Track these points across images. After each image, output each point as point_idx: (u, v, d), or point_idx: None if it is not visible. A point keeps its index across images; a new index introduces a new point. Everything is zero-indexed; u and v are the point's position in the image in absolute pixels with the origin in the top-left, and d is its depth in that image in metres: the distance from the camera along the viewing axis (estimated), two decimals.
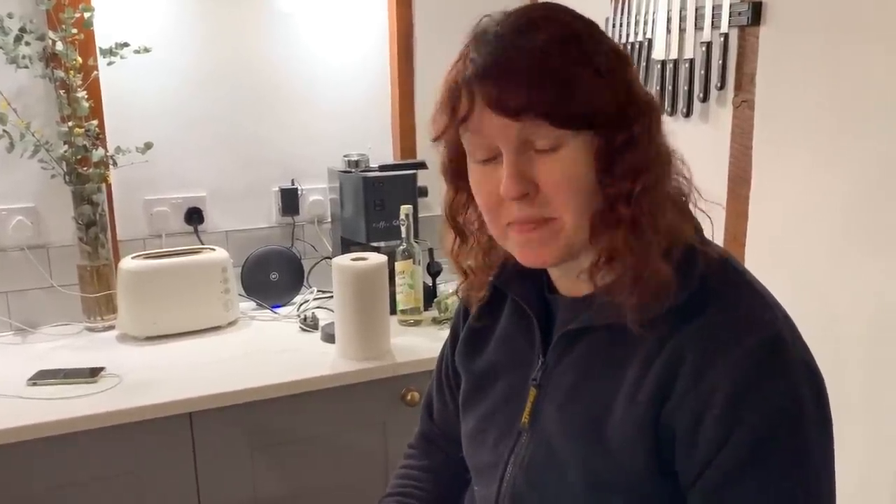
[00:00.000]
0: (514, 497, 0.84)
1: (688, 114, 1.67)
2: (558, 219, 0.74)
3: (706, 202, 0.80)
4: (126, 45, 1.88)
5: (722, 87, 1.58)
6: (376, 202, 2.00)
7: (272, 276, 2.11)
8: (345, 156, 2.07)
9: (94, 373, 1.62)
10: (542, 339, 0.85)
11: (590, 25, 0.75)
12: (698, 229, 0.80)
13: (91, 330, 1.93)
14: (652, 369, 0.72)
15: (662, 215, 0.73)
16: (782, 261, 1.49)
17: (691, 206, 0.79)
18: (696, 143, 1.67)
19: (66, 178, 1.87)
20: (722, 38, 1.56)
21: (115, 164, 1.92)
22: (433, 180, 2.10)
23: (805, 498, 0.69)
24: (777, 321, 0.72)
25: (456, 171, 0.83)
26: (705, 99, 1.63)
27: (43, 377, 1.60)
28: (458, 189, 0.84)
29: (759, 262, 1.53)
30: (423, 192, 2.11)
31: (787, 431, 0.68)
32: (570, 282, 0.83)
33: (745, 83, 1.54)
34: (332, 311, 1.85)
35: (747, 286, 0.76)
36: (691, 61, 1.65)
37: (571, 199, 0.73)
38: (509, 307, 0.92)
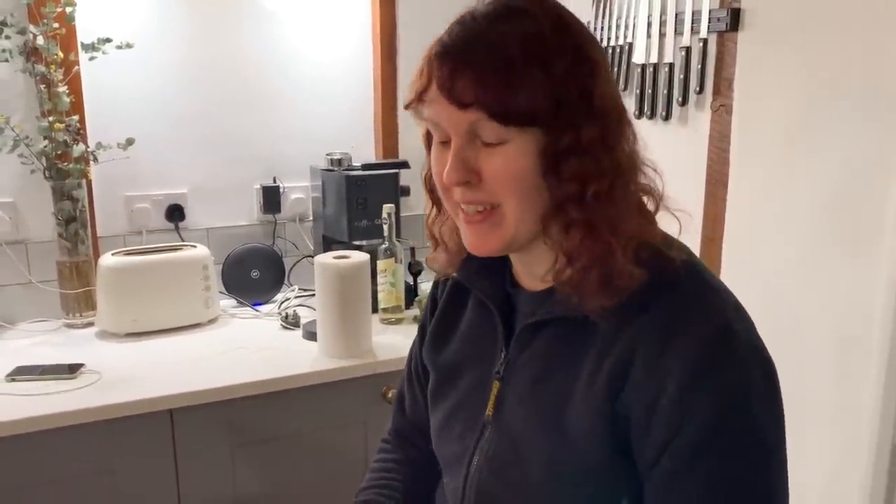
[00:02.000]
0: (479, 488, 0.85)
1: (667, 117, 1.70)
2: (500, 206, 0.76)
3: (678, 210, 0.81)
4: (108, 40, 1.87)
5: (701, 91, 1.61)
6: (358, 201, 2.01)
7: (253, 274, 2.11)
8: (327, 154, 2.07)
9: (73, 369, 1.61)
10: (505, 332, 0.87)
11: (563, 21, 0.75)
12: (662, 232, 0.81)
13: (70, 326, 1.92)
14: (608, 359, 0.74)
15: (622, 219, 0.74)
16: (757, 262, 1.52)
17: (662, 209, 0.81)
18: (674, 147, 1.71)
19: (46, 173, 1.86)
20: (701, 44, 1.59)
21: (95, 159, 1.91)
22: (415, 180, 2.10)
23: (758, 481, 0.71)
24: (727, 310, 0.74)
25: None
26: (684, 103, 1.66)
27: (21, 373, 1.59)
28: None
29: (735, 264, 1.56)
30: (406, 191, 2.12)
31: (738, 417, 0.70)
32: (531, 276, 0.85)
33: (723, 88, 1.57)
34: (314, 309, 1.86)
35: (699, 277, 0.77)
36: (671, 65, 1.68)
37: (514, 189, 0.74)
38: (473, 301, 0.94)
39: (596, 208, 0.73)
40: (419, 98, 0.77)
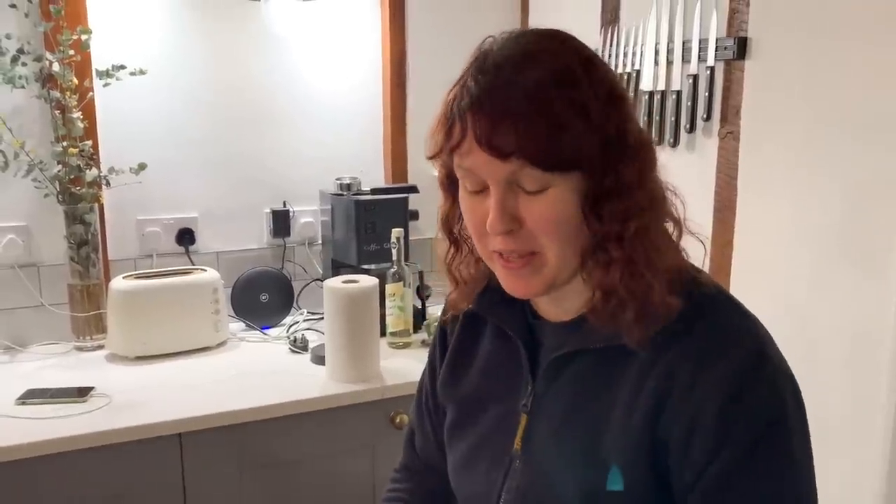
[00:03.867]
0: None
1: (674, 144, 1.71)
2: (542, 254, 0.76)
3: (693, 234, 0.82)
4: (122, 67, 1.90)
5: (708, 118, 1.62)
6: (367, 225, 2.02)
7: (262, 298, 2.12)
8: (337, 179, 2.09)
9: (83, 392, 1.62)
10: (529, 364, 0.86)
11: (589, 60, 0.75)
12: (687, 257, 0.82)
13: (80, 349, 1.93)
14: (646, 385, 0.75)
15: (659, 255, 0.75)
16: (768, 287, 1.52)
17: (685, 233, 0.81)
18: (682, 173, 1.70)
19: (59, 197, 1.88)
20: (708, 71, 1.60)
21: (108, 184, 1.94)
22: (424, 204, 2.13)
23: (792, 499, 0.73)
24: (760, 335, 0.76)
25: (452, 183, 0.83)
26: (692, 130, 1.67)
27: (32, 396, 1.60)
28: (455, 200, 0.84)
29: (744, 289, 1.56)
30: (414, 215, 2.13)
31: (773, 438, 0.72)
32: (560, 308, 0.84)
33: (730, 115, 1.58)
34: (322, 332, 1.86)
35: (732, 305, 0.79)
36: (678, 93, 1.69)
37: (556, 236, 0.74)
38: (491, 333, 0.93)
39: (635, 245, 0.73)
40: (451, 151, 0.75)
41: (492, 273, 0.83)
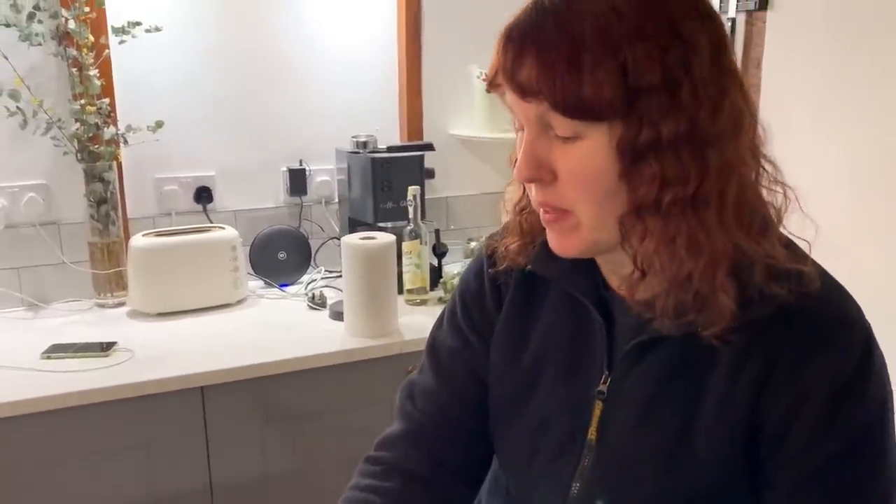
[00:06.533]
0: None
1: None
2: (573, 213, 0.69)
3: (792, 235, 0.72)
4: (138, 23, 1.90)
5: None
6: (384, 183, 2.02)
7: (280, 256, 2.14)
8: (353, 137, 2.09)
9: (106, 347, 1.64)
10: (607, 344, 0.77)
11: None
12: (784, 242, 0.72)
13: (101, 306, 1.96)
14: (745, 371, 0.69)
15: (709, 235, 0.65)
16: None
17: (786, 219, 0.72)
18: None
19: (78, 155, 1.89)
20: (729, 23, 1.58)
21: (125, 142, 1.94)
22: (440, 162, 2.12)
23: (886, 490, 0.70)
24: (867, 326, 0.70)
25: None
26: None
27: (56, 350, 1.63)
28: None
29: None
30: (430, 173, 2.13)
31: (879, 428, 0.70)
32: (618, 278, 0.75)
33: (751, 67, 1.56)
34: (339, 290, 1.88)
35: (835, 287, 0.72)
36: None
37: (587, 194, 0.67)
38: (555, 299, 0.83)
39: (674, 219, 0.64)
40: (492, 83, 0.69)
41: None
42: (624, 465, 0.76)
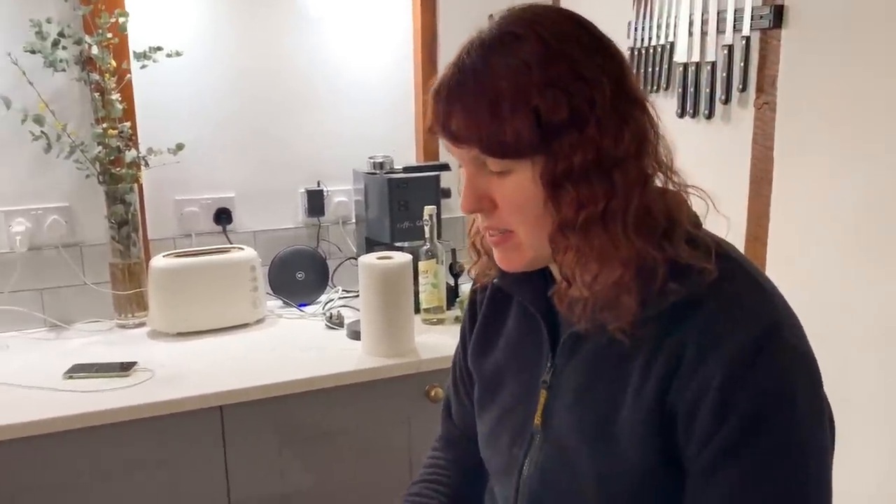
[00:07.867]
0: (531, 498, 0.86)
1: (709, 116, 1.69)
2: (515, 233, 0.79)
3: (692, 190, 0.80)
4: (159, 48, 1.94)
5: (744, 89, 1.60)
6: (400, 203, 2.03)
7: (298, 276, 2.15)
8: (370, 157, 2.11)
9: (126, 367, 1.66)
10: (550, 340, 0.87)
11: (561, 44, 0.72)
12: (693, 220, 0.80)
13: (122, 326, 1.98)
14: (657, 362, 0.75)
15: (616, 246, 0.73)
16: (802, 259, 1.50)
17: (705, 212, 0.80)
18: (718, 145, 1.70)
19: (100, 178, 1.93)
20: (743, 41, 1.58)
21: (146, 164, 1.97)
22: (456, 182, 2.13)
23: (795, 483, 0.70)
24: (776, 311, 0.74)
25: None
26: (727, 101, 1.65)
27: (78, 371, 1.64)
28: None
29: (780, 261, 1.55)
30: (446, 193, 2.14)
31: (779, 416, 0.70)
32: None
33: (766, 85, 1.56)
34: (357, 309, 1.89)
35: (744, 276, 0.76)
36: (713, 64, 1.67)
37: (523, 218, 0.77)
38: (515, 309, 0.94)
39: (588, 234, 0.73)
40: (431, 131, 0.79)
41: None
42: (563, 451, 0.83)
